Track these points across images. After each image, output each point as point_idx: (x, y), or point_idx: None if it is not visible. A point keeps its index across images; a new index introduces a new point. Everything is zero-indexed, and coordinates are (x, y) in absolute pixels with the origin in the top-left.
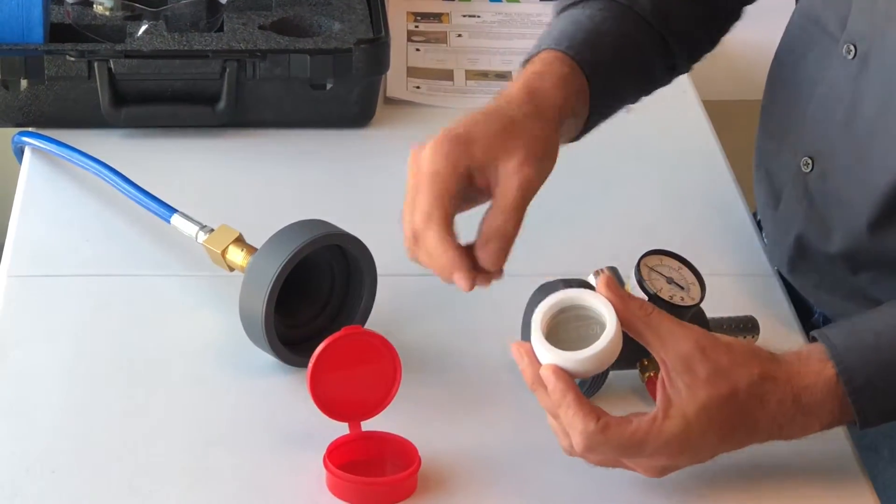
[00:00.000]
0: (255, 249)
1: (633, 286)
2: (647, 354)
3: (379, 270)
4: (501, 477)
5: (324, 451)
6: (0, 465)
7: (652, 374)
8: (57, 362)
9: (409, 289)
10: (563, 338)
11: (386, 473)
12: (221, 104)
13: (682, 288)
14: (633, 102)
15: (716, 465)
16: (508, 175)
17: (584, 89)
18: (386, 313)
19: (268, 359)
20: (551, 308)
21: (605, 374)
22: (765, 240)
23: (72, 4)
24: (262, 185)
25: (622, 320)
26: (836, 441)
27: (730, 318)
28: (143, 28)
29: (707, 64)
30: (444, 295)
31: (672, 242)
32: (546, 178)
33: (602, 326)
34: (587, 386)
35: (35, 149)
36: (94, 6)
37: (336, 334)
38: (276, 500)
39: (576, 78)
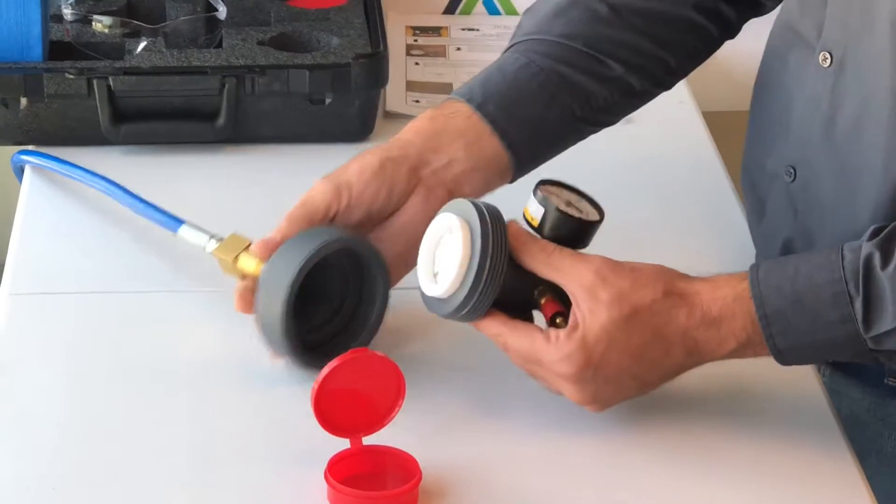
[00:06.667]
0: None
1: (534, 209)
2: (539, 284)
3: None
4: (502, 490)
5: (325, 466)
6: (1, 482)
7: (547, 298)
8: (58, 380)
9: (411, 302)
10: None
11: (387, 487)
12: (221, 120)
13: (580, 211)
14: (588, 117)
15: (711, 467)
16: None
17: (472, 119)
18: (387, 326)
19: (269, 374)
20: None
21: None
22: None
23: (71, 22)
24: (262, 200)
25: (525, 264)
26: (835, 447)
27: None
28: (142, 45)
29: (706, 75)
30: None
31: (669, 252)
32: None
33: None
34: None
35: (35, 167)
36: (93, 24)
37: (342, 357)
38: None
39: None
